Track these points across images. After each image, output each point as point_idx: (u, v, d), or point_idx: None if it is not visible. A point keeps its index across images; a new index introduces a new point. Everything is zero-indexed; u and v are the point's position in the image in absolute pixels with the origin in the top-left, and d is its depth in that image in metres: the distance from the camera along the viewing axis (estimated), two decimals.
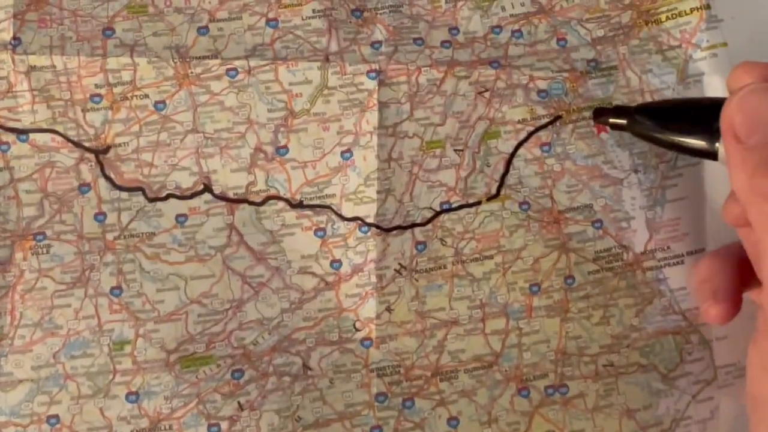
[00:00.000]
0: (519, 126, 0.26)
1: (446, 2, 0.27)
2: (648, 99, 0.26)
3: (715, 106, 0.21)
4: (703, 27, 0.27)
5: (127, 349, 0.24)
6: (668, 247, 0.26)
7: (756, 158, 0.19)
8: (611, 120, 0.25)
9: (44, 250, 0.24)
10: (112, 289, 0.24)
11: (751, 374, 0.21)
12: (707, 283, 0.24)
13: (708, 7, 0.27)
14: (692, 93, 0.26)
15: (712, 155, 0.22)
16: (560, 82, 0.26)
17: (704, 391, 0.26)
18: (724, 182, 0.26)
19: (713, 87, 0.26)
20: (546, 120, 0.26)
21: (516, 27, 0.27)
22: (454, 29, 0.27)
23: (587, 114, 0.26)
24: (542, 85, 0.26)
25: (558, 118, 0.26)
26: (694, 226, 0.26)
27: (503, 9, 0.27)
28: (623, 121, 0.24)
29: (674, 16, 0.27)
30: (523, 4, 0.27)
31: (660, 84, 0.26)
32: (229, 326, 0.25)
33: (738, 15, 0.26)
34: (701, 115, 0.22)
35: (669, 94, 0.26)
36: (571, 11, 0.27)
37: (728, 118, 0.20)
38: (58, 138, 0.25)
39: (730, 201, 0.22)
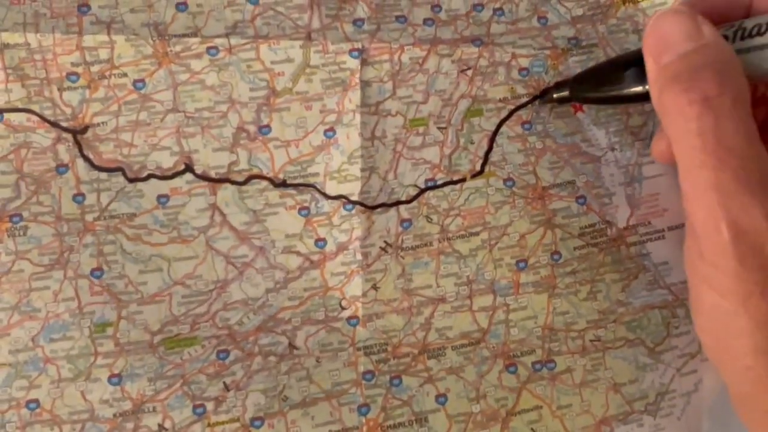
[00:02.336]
0: (500, 104, 0.29)
1: None
2: None
3: (640, 54, 0.24)
4: None
5: (109, 331, 0.26)
6: (649, 222, 0.29)
7: (665, 76, 0.22)
8: (555, 95, 0.28)
9: (21, 232, 0.26)
10: (93, 270, 0.26)
11: (686, 272, 0.24)
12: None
13: None
14: None
15: (646, 96, 0.25)
16: (542, 60, 0.29)
17: (689, 365, 0.29)
18: None
19: None
20: (525, 99, 0.29)
21: (497, 5, 0.29)
22: (436, 6, 0.29)
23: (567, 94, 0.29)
24: (524, 62, 0.29)
25: (537, 97, 0.29)
26: (673, 202, 0.30)
27: None
28: (565, 93, 0.28)
29: None
30: None
31: None
32: (214, 307, 0.27)
33: None
34: (630, 65, 0.25)
35: None
36: None
37: (645, 41, 0.23)
38: (34, 118, 0.27)
39: (655, 140, 0.26)
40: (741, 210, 0.21)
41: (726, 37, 0.23)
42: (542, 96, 0.29)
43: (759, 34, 0.22)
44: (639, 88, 0.25)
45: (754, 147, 0.21)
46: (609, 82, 0.26)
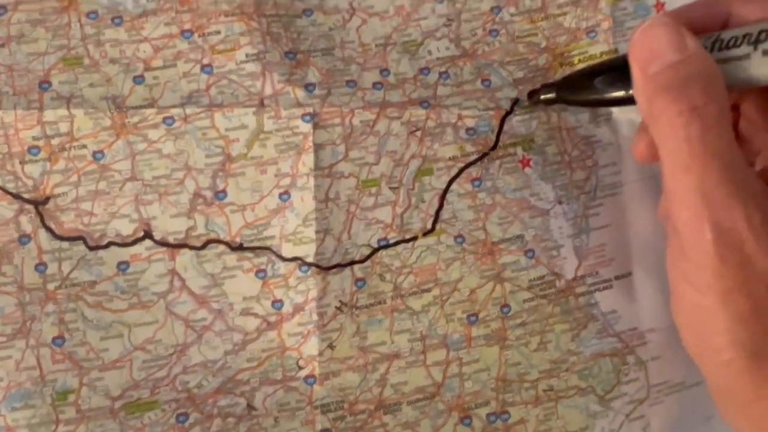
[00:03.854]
0: (450, 163, 0.31)
1: (376, 45, 0.32)
2: (565, 135, 0.32)
3: (623, 61, 0.26)
4: None
5: (71, 398, 0.28)
6: (597, 273, 0.32)
7: (654, 84, 0.24)
8: (542, 97, 0.31)
9: None
10: (55, 338, 0.28)
11: (668, 272, 0.26)
12: (664, 216, 0.28)
13: (616, 51, 0.33)
14: (602, 131, 0.32)
15: (631, 100, 0.27)
16: (487, 120, 0.32)
17: (637, 410, 0.31)
18: (642, 208, 0.32)
19: (622, 125, 0.32)
20: (475, 156, 0.31)
21: (443, 69, 0.32)
22: (385, 70, 0.32)
23: (512, 150, 0.32)
24: (470, 123, 0.32)
25: (486, 154, 0.31)
26: (619, 252, 0.32)
27: (429, 53, 0.32)
28: (552, 95, 0.31)
29: (585, 59, 0.33)
30: (448, 48, 0.32)
31: (575, 122, 0.32)
32: (174, 371, 0.29)
33: None
34: (615, 70, 0.28)
35: (582, 132, 0.32)
36: (492, 54, 0.32)
37: (631, 50, 0.26)
38: None
39: (635, 141, 0.28)
40: (723, 211, 0.23)
41: (705, 48, 0.25)
42: (530, 97, 0.32)
43: (735, 45, 0.25)
44: (621, 93, 0.28)
45: (734, 153, 0.24)
46: (592, 86, 0.29)
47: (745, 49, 0.25)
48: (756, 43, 0.24)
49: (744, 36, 0.25)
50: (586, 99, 0.30)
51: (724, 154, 0.23)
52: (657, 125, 0.25)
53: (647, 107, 0.25)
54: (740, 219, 0.23)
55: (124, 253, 0.29)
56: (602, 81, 0.28)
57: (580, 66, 0.32)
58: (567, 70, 0.33)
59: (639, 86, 0.25)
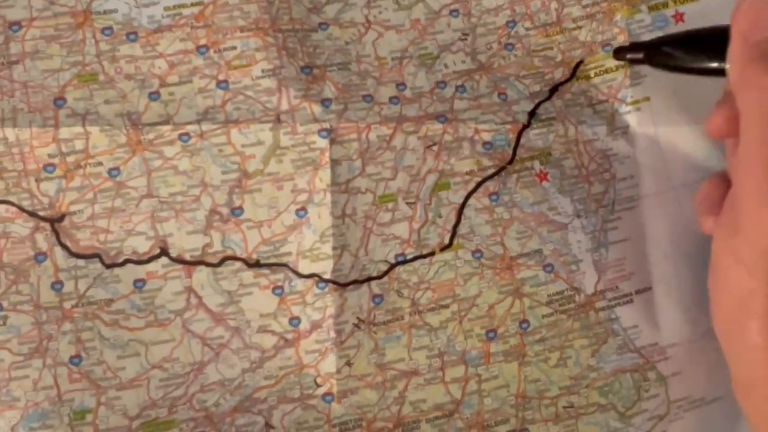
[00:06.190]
0: (467, 177, 0.32)
1: (392, 59, 0.33)
2: (582, 148, 0.33)
3: (719, 32, 0.27)
4: (628, 83, 0.34)
5: (89, 418, 0.28)
6: (617, 287, 0.32)
7: (752, 52, 0.25)
8: (629, 56, 0.31)
9: (1, 322, 0.29)
10: (72, 358, 0.29)
11: (713, 248, 0.27)
12: (707, 199, 0.29)
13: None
14: (619, 144, 0.33)
15: (721, 72, 0.28)
16: (503, 134, 0.32)
17: (657, 427, 0.32)
18: (660, 221, 0.33)
19: (639, 138, 0.33)
20: (492, 170, 0.32)
21: (459, 83, 0.33)
22: (401, 85, 0.33)
23: (529, 164, 0.32)
24: (487, 137, 0.32)
25: (503, 168, 0.32)
26: (638, 266, 0.33)
27: (446, 66, 0.33)
28: (640, 56, 0.31)
29: (601, 72, 0.34)
30: (464, 62, 0.33)
31: (592, 135, 0.33)
32: (191, 389, 0.29)
33: (660, 72, 0.32)
34: (710, 41, 0.28)
35: (599, 146, 0.33)
36: (508, 68, 0.33)
37: (736, 19, 0.26)
38: (12, 209, 0.29)
39: (713, 114, 0.28)
40: None
41: None
42: (616, 55, 0.32)
43: None
44: (712, 64, 0.28)
45: None
46: (683, 52, 0.29)
47: None
48: None
49: None
50: (674, 65, 0.30)
51: None
52: (745, 93, 0.25)
53: (739, 75, 0.26)
54: None
55: (141, 271, 0.30)
56: (695, 48, 0.29)
57: (672, 31, 0.33)
58: (583, 84, 0.33)
59: (736, 54, 0.26)
